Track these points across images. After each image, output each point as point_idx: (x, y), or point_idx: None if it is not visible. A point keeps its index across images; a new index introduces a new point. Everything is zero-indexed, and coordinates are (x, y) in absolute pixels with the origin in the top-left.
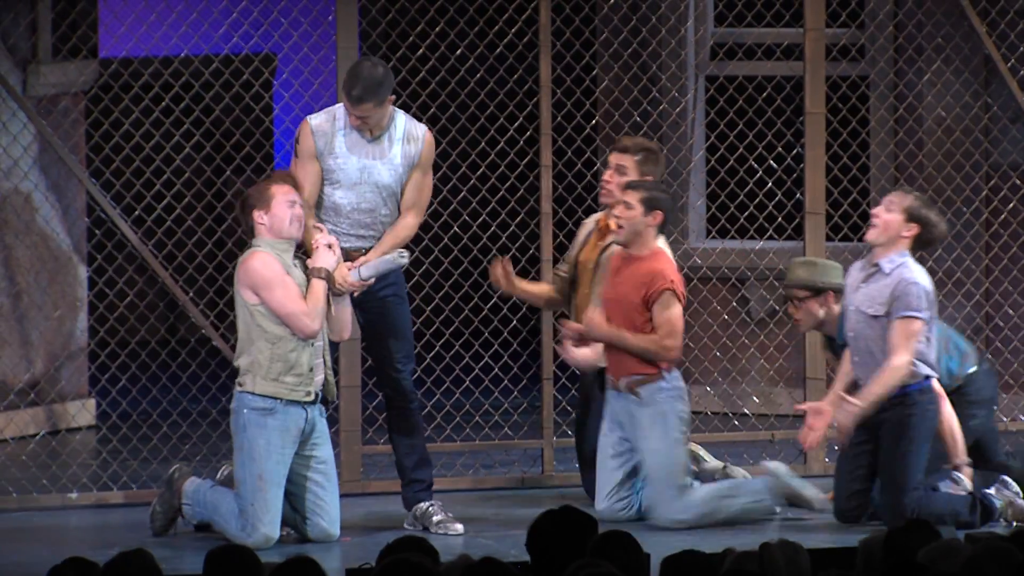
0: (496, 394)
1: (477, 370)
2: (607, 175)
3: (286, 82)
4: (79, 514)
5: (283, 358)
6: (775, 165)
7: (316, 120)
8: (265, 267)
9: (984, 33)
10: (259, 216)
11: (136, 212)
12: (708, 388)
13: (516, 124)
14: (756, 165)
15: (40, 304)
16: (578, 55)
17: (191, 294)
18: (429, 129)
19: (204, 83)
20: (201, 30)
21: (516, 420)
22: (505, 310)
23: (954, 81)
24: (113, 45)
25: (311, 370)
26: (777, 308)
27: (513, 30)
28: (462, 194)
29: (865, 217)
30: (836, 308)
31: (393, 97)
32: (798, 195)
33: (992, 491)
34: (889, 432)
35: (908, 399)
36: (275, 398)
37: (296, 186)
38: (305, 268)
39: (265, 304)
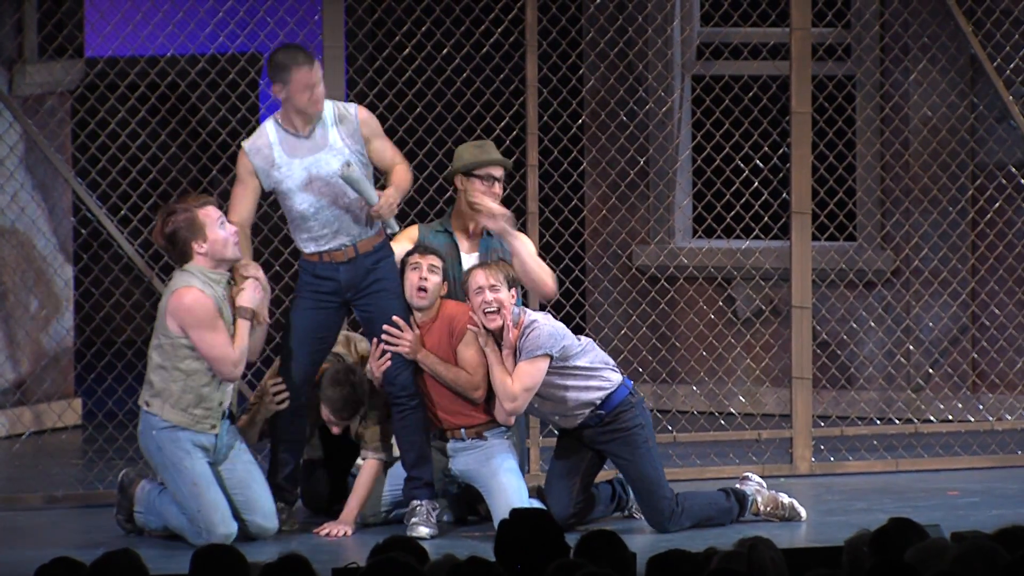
0: None
1: None
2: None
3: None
4: (65, 514)
5: (195, 391)
6: (761, 165)
7: (247, 142)
8: (198, 306)
9: (970, 32)
10: (198, 246)
11: (122, 211)
12: (694, 388)
13: (503, 123)
14: (742, 165)
15: (26, 304)
16: (565, 54)
17: None
18: (359, 105)
19: (190, 83)
20: (187, 30)
21: None
22: None
23: (940, 80)
24: (99, 44)
25: (220, 404)
26: (763, 307)
27: (499, 29)
28: (448, 193)
29: (852, 216)
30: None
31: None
32: (784, 195)
33: (737, 483)
34: (621, 445)
35: (623, 406)
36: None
37: (214, 203)
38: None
39: (192, 343)
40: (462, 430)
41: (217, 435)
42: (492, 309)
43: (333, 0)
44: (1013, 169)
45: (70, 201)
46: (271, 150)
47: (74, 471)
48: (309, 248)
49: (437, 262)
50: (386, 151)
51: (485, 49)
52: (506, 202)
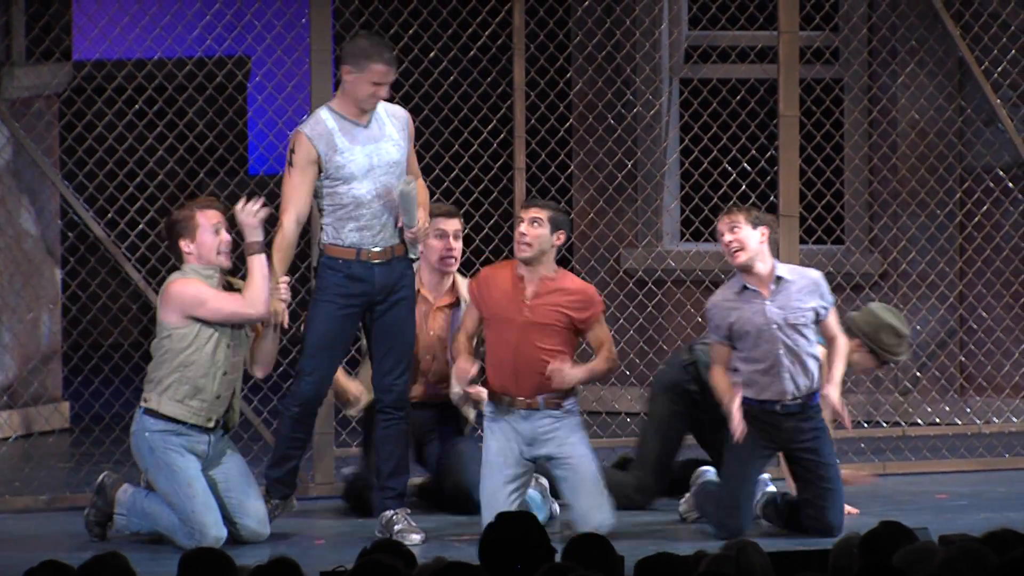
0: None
1: None
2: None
3: (259, 85)
4: (53, 517)
5: (191, 382)
6: (749, 168)
7: (307, 128)
8: (187, 287)
9: (958, 36)
10: (185, 245)
11: (109, 215)
12: None
13: (490, 127)
14: (730, 168)
15: (13, 306)
16: (552, 58)
17: None
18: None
19: (177, 86)
20: (174, 33)
21: None
22: None
23: (928, 84)
24: (86, 48)
25: (218, 398)
26: None
27: (486, 33)
28: (435, 197)
29: (839, 220)
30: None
31: None
32: (772, 198)
33: None
34: (816, 443)
35: (814, 408)
36: (177, 421)
37: (219, 208)
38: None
39: (206, 319)
40: (540, 399)
41: (210, 442)
42: (735, 247)
43: (320, 3)
44: (1001, 172)
45: (58, 204)
46: (332, 136)
47: (62, 475)
48: (352, 239)
49: (541, 214)
50: (414, 161)
51: (472, 52)
52: (494, 205)
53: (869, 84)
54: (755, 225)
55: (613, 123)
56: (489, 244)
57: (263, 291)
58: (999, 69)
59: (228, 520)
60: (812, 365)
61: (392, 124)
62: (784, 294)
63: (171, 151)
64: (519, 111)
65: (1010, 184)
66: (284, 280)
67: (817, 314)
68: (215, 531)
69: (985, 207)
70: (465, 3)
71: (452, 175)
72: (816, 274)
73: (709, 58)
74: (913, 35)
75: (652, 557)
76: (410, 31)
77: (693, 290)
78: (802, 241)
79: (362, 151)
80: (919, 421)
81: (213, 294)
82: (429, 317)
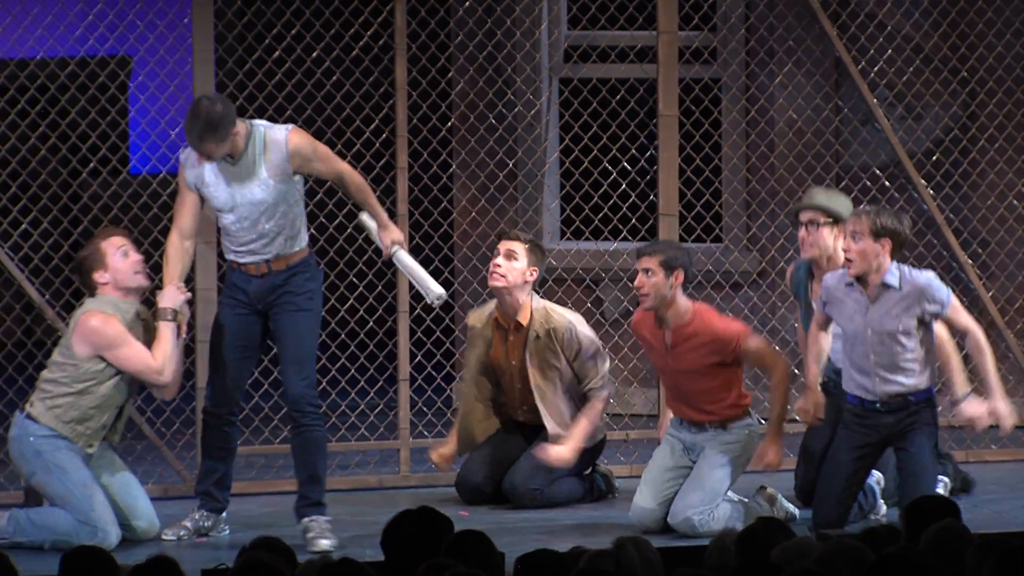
0: (353, 395)
1: (334, 371)
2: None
3: (142, 84)
4: None
5: (81, 409)
6: (628, 167)
7: (184, 154)
8: (105, 326)
9: (835, 36)
10: (100, 276)
11: None
12: None
13: (372, 126)
14: (610, 167)
15: None
16: (433, 58)
17: (47, 296)
18: (294, 125)
19: (60, 85)
20: (57, 33)
21: (373, 421)
22: (362, 311)
23: (805, 83)
24: None
25: (103, 427)
26: (631, 308)
27: (368, 33)
28: (318, 196)
29: (718, 218)
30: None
31: (230, 129)
32: (651, 197)
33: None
34: (917, 436)
35: (930, 403)
36: (58, 432)
37: (121, 233)
38: (153, 317)
39: (112, 363)
40: (706, 424)
41: (92, 453)
42: (849, 258)
43: (202, 3)
44: (877, 171)
45: None
46: (202, 169)
47: None
48: (230, 256)
49: (651, 263)
50: (330, 169)
51: (354, 52)
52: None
53: (747, 84)
54: (877, 236)
55: (494, 122)
56: (372, 244)
57: (170, 357)
58: (875, 69)
59: (119, 522)
60: (912, 367)
61: (264, 161)
62: (885, 302)
63: (54, 151)
64: (401, 110)
65: (886, 183)
66: (174, 287)
67: (923, 321)
68: (115, 529)
69: (861, 206)
70: (347, 3)
71: None
72: (926, 279)
73: (589, 58)
74: (790, 35)
75: (532, 553)
76: (293, 31)
77: (574, 288)
78: (681, 240)
79: (226, 189)
80: (796, 418)
81: (128, 344)
82: (507, 344)
